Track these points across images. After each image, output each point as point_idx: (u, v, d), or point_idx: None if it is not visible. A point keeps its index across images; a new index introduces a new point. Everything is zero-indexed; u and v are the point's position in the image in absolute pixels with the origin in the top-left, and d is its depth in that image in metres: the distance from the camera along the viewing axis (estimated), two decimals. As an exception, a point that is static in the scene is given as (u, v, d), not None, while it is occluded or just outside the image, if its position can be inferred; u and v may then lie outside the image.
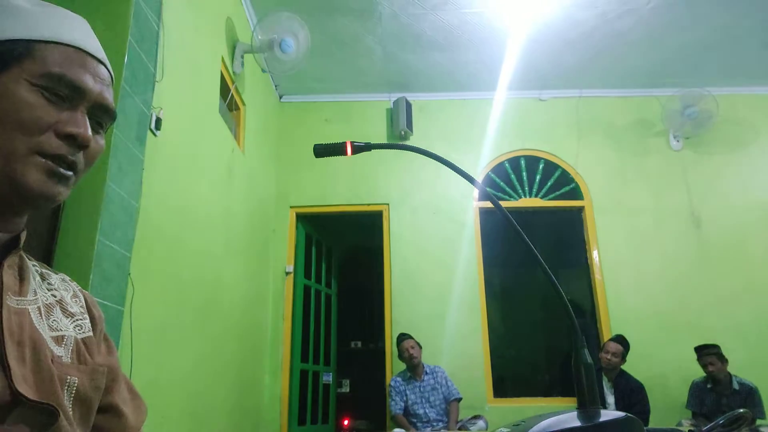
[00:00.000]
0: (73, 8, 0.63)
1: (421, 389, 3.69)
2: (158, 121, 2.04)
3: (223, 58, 3.02)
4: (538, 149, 4.64)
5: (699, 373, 3.62)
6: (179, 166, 2.32)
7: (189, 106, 2.46)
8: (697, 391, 3.63)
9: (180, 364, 2.28)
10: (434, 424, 3.59)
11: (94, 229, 1.62)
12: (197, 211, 2.54)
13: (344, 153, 0.96)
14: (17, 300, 0.56)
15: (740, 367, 3.64)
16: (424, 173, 4.50)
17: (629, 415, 0.62)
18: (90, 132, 0.57)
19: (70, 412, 0.56)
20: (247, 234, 3.49)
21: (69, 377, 0.57)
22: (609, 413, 0.63)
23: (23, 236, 0.59)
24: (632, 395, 3.49)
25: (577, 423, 0.60)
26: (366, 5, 3.62)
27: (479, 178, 4.49)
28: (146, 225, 1.95)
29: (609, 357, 3.53)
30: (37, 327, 0.56)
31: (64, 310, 0.63)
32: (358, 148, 0.96)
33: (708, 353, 3.52)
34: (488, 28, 3.87)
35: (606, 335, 4.05)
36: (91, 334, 0.65)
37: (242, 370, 3.31)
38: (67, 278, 0.69)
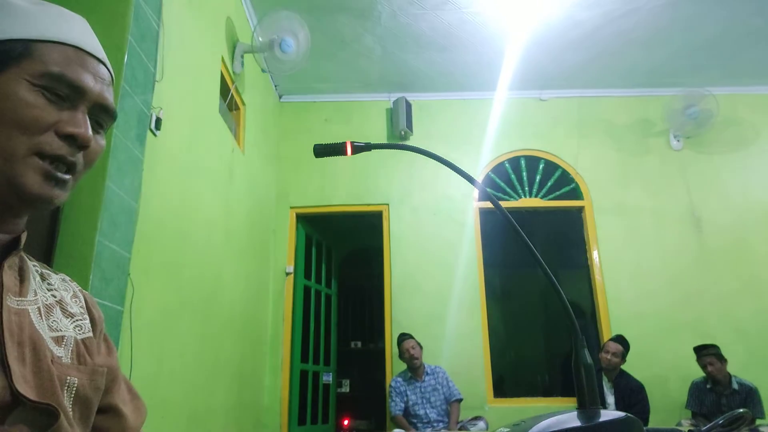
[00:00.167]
0: (73, 8, 0.63)
1: (422, 390, 3.68)
2: (158, 121, 2.04)
3: (223, 58, 3.02)
4: (539, 149, 4.64)
5: (699, 373, 3.62)
6: (179, 166, 2.32)
7: (189, 106, 2.46)
8: (696, 391, 3.63)
9: (180, 364, 2.28)
10: (435, 424, 3.58)
11: (93, 229, 1.62)
12: (197, 212, 2.54)
13: (344, 153, 0.96)
14: (17, 300, 0.56)
15: (740, 367, 3.65)
16: (424, 173, 4.50)
17: (629, 415, 0.61)
18: (90, 132, 0.57)
19: (70, 413, 0.56)
20: (247, 234, 3.49)
21: (69, 378, 0.57)
22: (609, 413, 0.63)
23: (23, 237, 0.59)
24: (632, 395, 3.49)
25: (577, 423, 0.60)
26: (366, 5, 3.62)
27: (479, 178, 4.49)
28: (146, 225, 1.95)
29: (609, 357, 3.53)
30: (37, 327, 0.56)
31: (64, 311, 0.63)
32: (358, 148, 0.96)
33: (707, 353, 3.53)
34: (488, 28, 3.87)
35: (606, 335, 4.05)
36: (91, 334, 0.65)
37: (242, 369, 3.30)
38: (68, 278, 0.69)
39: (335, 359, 5.08)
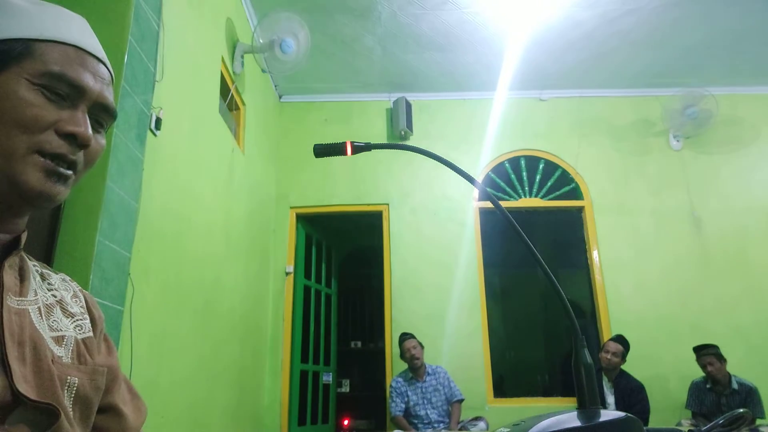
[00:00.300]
0: (73, 7, 0.63)
1: (423, 390, 3.67)
2: (158, 121, 2.04)
3: (223, 58, 3.02)
4: (539, 149, 4.64)
5: (699, 373, 3.62)
6: (179, 166, 2.32)
7: (189, 106, 2.46)
8: (696, 391, 3.63)
9: (180, 364, 2.28)
10: (435, 425, 3.57)
11: (94, 229, 1.62)
12: (197, 211, 2.54)
13: (344, 153, 0.96)
14: (18, 300, 0.56)
15: (740, 367, 3.65)
16: (424, 173, 4.50)
17: (629, 415, 0.62)
18: (90, 131, 0.57)
19: (71, 412, 0.56)
20: (247, 234, 3.49)
21: (69, 377, 0.57)
22: (609, 413, 0.63)
23: (24, 237, 0.59)
24: (632, 395, 3.49)
25: (577, 423, 0.60)
26: (366, 5, 3.62)
27: (479, 178, 4.49)
28: (146, 225, 1.95)
29: (609, 357, 3.53)
30: (38, 327, 0.57)
31: (64, 311, 0.63)
32: (358, 148, 0.96)
33: (707, 353, 3.53)
34: (488, 28, 3.87)
35: (606, 335, 4.05)
36: (91, 334, 0.65)
37: (242, 370, 3.30)
38: (68, 278, 0.69)
39: (335, 359, 5.08)
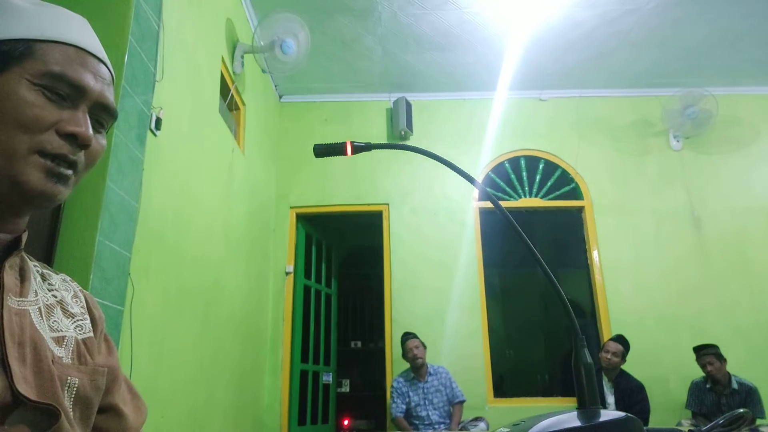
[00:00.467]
0: (73, 8, 0.63)
1: (425, 390, 3.65)
2: (158, 121, 2.04)
3: (223, 58, 3.02)
4: (538, 149, 4.64)
5: (699, 372, 3.62)
6: (179, 166, 2.32)
7: (189, 106, 2.46)
8: (696, 390, 3.64)
9: (180, 363, 2.28)
10: (436, 426, 3.55)
11: (94, 229, 1.62)
12: (197, 211, 2.54)
13: (344, 153, 0.96)
14: (18, 301, 0.56)
15: (740, 366, 3.65)
16: (423, 173, 4.50)
17: (629, 415, 0.62)
18: (91, 131, 0.57)
19: (71, 413, 0.56)
20: (247, 234, 3.49)
21: (69, 378, 0.57)
22: (609, 413, 0.63)
23: (24, 237, 0.59)
24: (632, 395, 3.49)
25: (577, 423, 0.61)
26: (366, 5, 3.62)
27: (479, 178, 4.49)
28: (146, 225, 1.95)
29: (609, 357, 3.53)
30: (38, 328, 0.57)
31: (64, 311, 0.63)
32: (358, 148, 0.96)
33: (706, 353, 3.53)
34: (488, 28, 3.87)
35: (606, 335, 4.05)
36: (91, 334, 0.65)
37: (242, 369, 3.31)
38: (68, 279, 0.69)
39: (335, 359, 5.08)
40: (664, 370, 3.96)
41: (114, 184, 1.70)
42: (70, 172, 0.57)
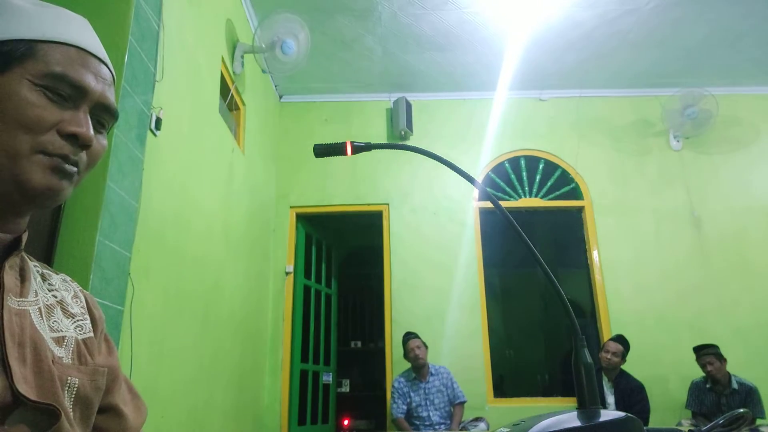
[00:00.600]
0: (74, 8, 0.63)
1: (426, 391, 3.63)
2: (158, 121, 2.04)
3: (223, 58, 3.02)
4: (538, 149, 4.64)
5: (699, 372, 3.62)
6: (179, 166, 2.32)
7: (189, 106, 2.46)
8: (696, 390, 3.64)
9: (180, 363, 2.28)
10: (437, 427, 3.54)
11: (94, 229, 1.62)
12: (197, 211, 2.54)
13: (344, 153, 0.96)
14: (18, 301, 0.56)
15: (740, 366, 3.65)
16: (423, 173, 4.50)
17: (629, 415, 0.62)
18: (92, 131, 0.57)
19: (71, 413, 0.57)
20: (247, 234, 3.49)
21: (70, 378, 0.57)
22: (609, 413, 0.63)
23: (25, 237, 0.59)
24: (632, 395, 3.49)
25: (577, 423, 0.61)
26: (366, 5, 3.62)
27: (479, 178, 4.49)
28: (146, 225, 1.95)
29: (609, 357, 3.53)
30: (38, 328, 0.57)
31: (64, 311, 0.63)
32: (358, 148, 0.96)
33: (706, 353, 3.53)
34: (488, 28, 3.87)
35: (606, 335, 4.05)
36: (91, 334, 0.65)
37: (242, 369, 3.31)
38: (68, 279, 0.69)
39: (335, 359, 5.08)
40: (664, 370, 3.96)
41: (114, 184, 1.70)
42: (74, 169, 0.57)
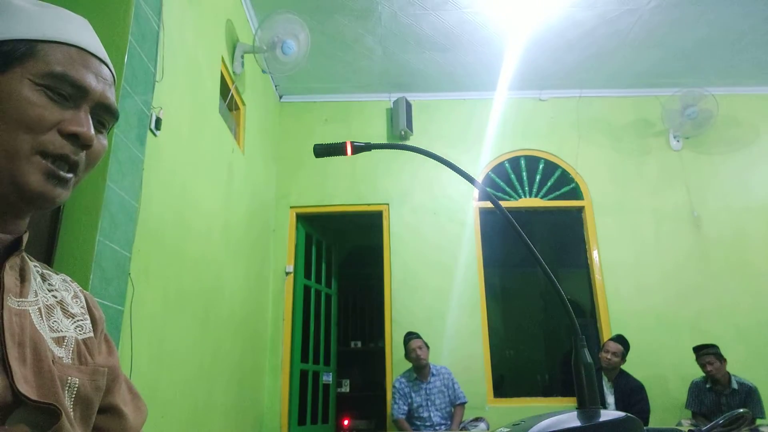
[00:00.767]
0: (74, 8, 0.63)
1: (427, 391, 3.62)
2: (158, 121, 2.04)
3: (223, 58, 3.02)
4: (538, 149, 4.64)
5: (699, 372, 3.62)
6: (179, 166, 2.32)
7: (189, 106, 2.46)
8: (696, 390, 3.64)
9: (180, 363, 2.28)
10: (438, 427, 3.53)
11: (94, 229, 1.62)
12: (197, 211, 2.54)
13: (344, 153, 0.96)
14: (18, 301, 0.56)
15: (740, 366, 3.65)
16: (423, 173, 4.50)
17: (629, 415, 0.62)
18: (93, 131, 0.57)
19: (71, 413, 0.57)
20: (247, 234, 3.49)
21: (70, 378, 0.57)
22: (609, 413, 0.63)
23: (25, 238, 0.60)
24: (632, 395, 3.49)
25: (577, 423, 0.61)
26: (366, 5, 3.62)
27: (479, 178, 4.49)
28: (146, 225, 1.95)
29: (609, 356, 3.53)
30: (38, 328, 0.57)
31: (64, 311, 0.63)
32: (358, 148, 0.96)
33: (706, 353, 3.53)
34: (488, 28, 3.87)
35: (606, 335, 4.05)
36: (91, 334, 0.65)
37: (242, 369, 3.31)
38: (68, 279, 0.69)
39: (335, 359, 5.08)
40: (664, 370, 3.96)
41: (114, 184, 1.70)
42: (69, 175, 0.57)
